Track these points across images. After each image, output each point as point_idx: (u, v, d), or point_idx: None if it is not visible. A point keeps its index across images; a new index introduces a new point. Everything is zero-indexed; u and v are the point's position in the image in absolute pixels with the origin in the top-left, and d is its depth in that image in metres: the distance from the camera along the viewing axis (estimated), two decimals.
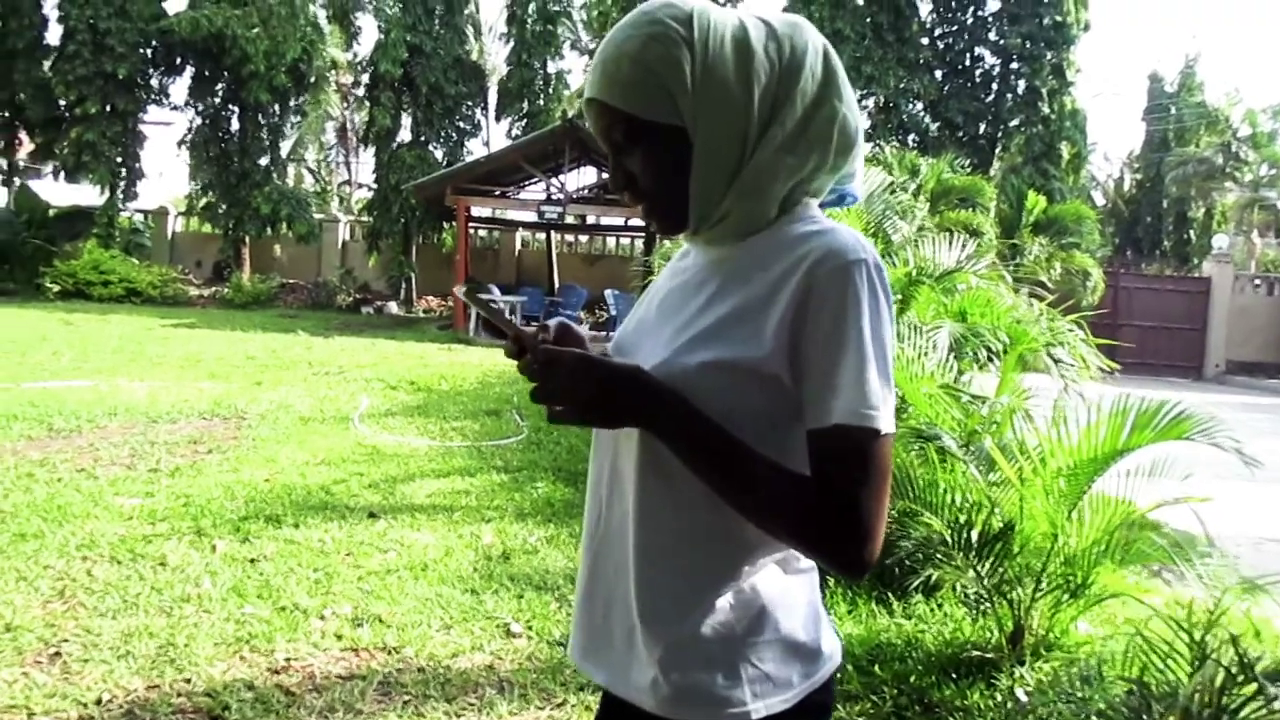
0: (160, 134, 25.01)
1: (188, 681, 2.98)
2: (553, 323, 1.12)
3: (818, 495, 0.99)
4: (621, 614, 1.11)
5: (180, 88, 36.06)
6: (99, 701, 2.81)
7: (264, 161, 22.94)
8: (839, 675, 2.17)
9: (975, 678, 3.19)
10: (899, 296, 4.72)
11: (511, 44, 24.27)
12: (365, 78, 23.74)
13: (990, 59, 23.50)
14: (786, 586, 1.10)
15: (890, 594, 3.93)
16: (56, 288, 18.96)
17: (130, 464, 5.76)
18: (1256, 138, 26.65)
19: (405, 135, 23.43)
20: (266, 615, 3.53)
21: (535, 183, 19.96)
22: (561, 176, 19.36)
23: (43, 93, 20.96)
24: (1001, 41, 22.76)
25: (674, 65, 1.03)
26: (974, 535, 3.30)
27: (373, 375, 10.56)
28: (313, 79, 22.88)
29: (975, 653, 3.34)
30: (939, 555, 3.54)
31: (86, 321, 14.63)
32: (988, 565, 3.28)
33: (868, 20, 21.77)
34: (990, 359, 4.59)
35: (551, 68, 24.39)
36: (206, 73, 22.24)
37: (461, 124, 23.95)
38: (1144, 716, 2.27)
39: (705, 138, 1.05)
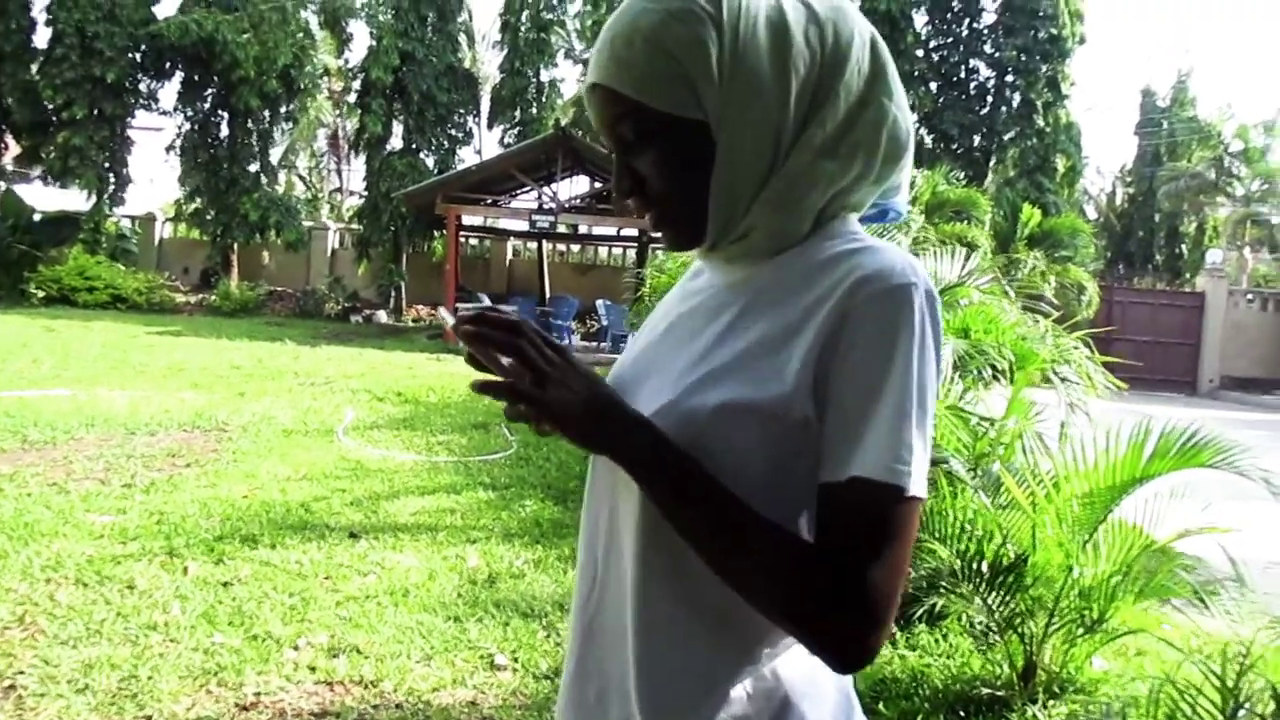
0: (149, 139, 24.75)
1: (149, 719, 2.80)
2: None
3: (816, 562, 0.81)
4: (618, 701, 0.93)
5: (169, 93, 36.10)
6: None
7: (253, 168, 22.74)
8: None
9: (985, 717, 3.03)
10: None
11: (504, 52, 24.17)
12: (357, 84, 23.51)
13: (985, 72, 23.45)
14: (813, 671, 0.91)
15: (894, 623, 3.76)
16: (41, 294, 18.71)
17: (104, 478, 5.56)
18: (1248, 153, 26.78)
19: (397, 142, 23.22)
20: (237, 645, 3.35)
21: (527, 191, 19.78)
22: (554, 185, 19.18)
23: (30, 96, 20.69)
24: (996, 54, 22.74)
25: (698, 48, 0.85)
26: (984, 566, 3.14)
27: (360, 386, 10.37)
28: (303, 85, 22.68)
29: (985, 690, 3.18)
30: (944, 585, 3.37)
31: (69, 328, 14.37)
32: (999, 597, 3.12)
33: None
34: (996, 377, 4.42)
35: (545, 76, 24.27)
36: (196, 78, 22.04)
37: (453, 132, 23.77)
38: None
39: (731, 136, 0.88)
